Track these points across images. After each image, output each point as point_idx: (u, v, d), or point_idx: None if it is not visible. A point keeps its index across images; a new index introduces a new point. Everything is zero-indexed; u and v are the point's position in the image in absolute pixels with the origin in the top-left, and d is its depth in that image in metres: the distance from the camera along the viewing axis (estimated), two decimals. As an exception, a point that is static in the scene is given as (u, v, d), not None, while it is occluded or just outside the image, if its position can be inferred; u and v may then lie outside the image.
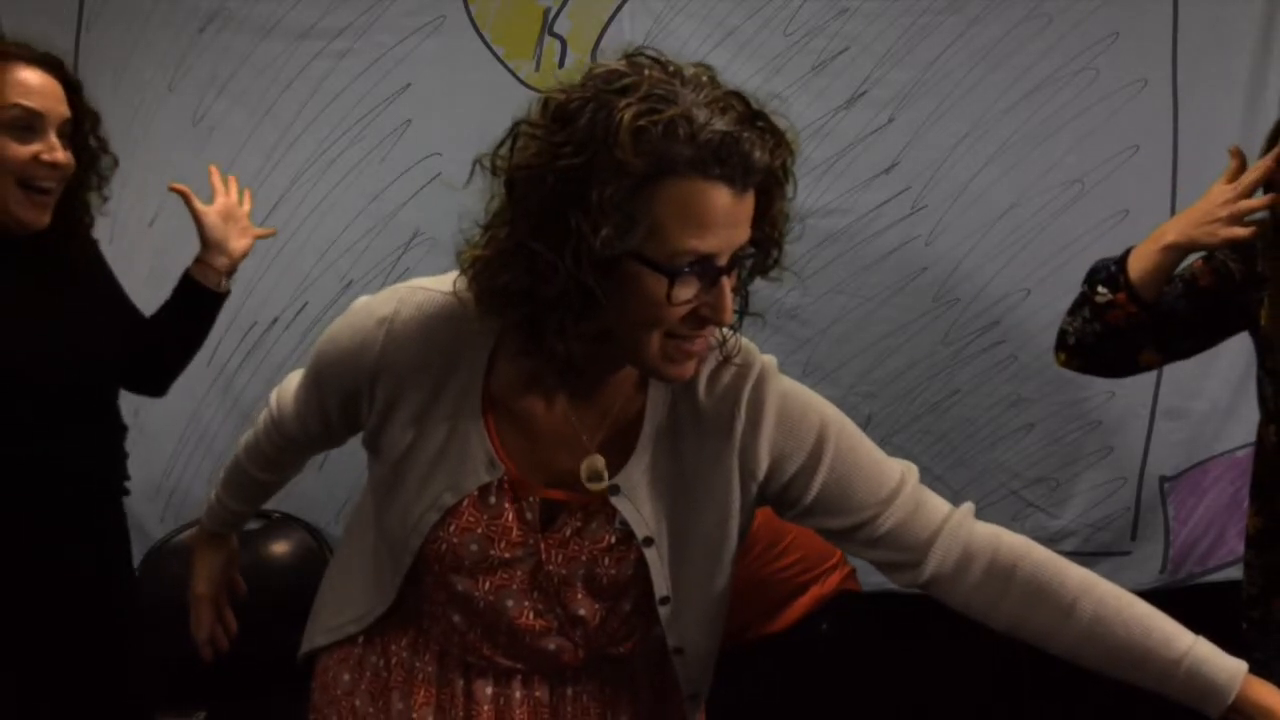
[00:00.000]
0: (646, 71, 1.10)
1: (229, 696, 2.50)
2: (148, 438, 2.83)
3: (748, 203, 1.13)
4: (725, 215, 1.10)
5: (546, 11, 2.74)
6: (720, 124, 1.07)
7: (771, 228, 1.19)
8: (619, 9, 2.72)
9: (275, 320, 2.81)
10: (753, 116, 1.11)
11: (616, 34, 2.71)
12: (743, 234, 1.14)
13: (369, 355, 1.26)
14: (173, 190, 2.02)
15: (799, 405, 1.29)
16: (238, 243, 2.02)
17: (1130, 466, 2.80)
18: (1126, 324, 1.71)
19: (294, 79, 2.76)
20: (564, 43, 2.74)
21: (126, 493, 2.06)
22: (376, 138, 2.77)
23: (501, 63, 2.73)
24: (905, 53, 2.72)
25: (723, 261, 1.13)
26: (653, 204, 1.08)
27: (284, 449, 1.50)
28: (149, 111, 2.77)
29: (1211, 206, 1.63)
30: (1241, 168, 1.64)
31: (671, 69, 1.11)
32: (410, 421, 1.27)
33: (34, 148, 1.74)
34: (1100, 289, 1.73)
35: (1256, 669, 1.21)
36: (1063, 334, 1.81)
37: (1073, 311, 1.79)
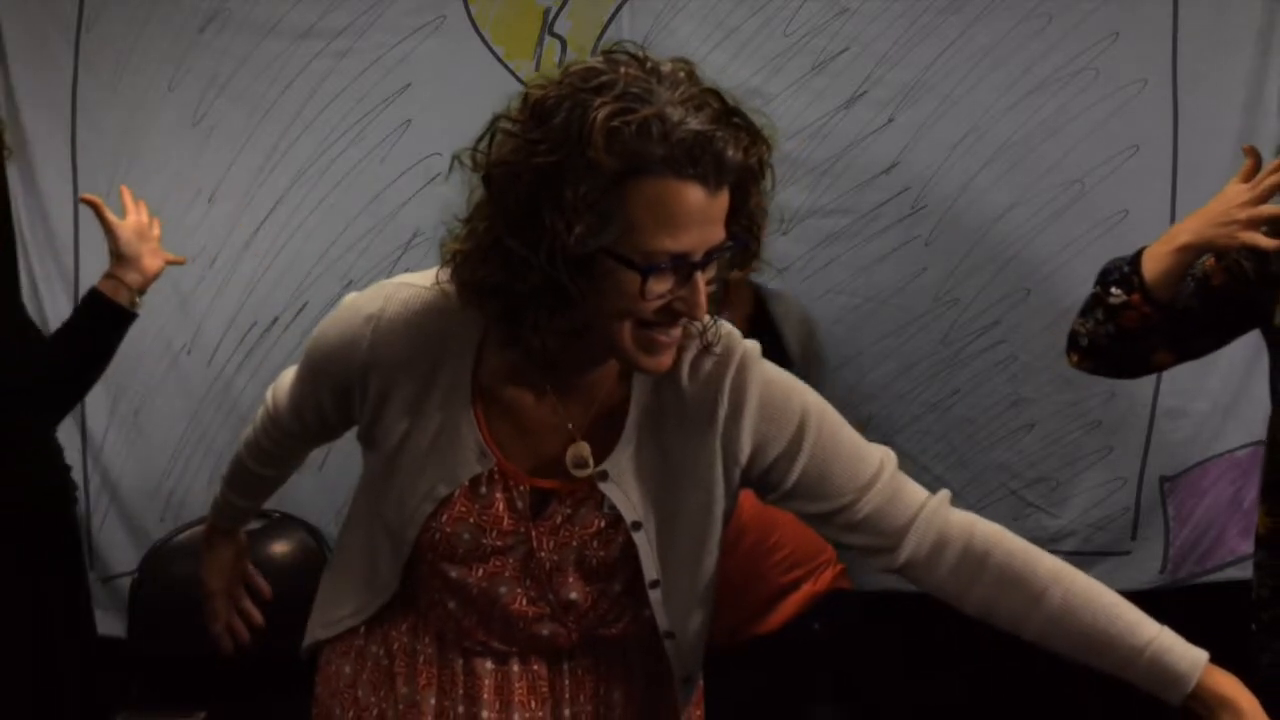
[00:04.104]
0: (623, 69, 1.11)
1: (229, 696, 2.50)
2: (147, 438, 2.84)
3: (721, 200, 1.14)
4: (698, 214, 1.11)
5: (546, 11, 2.74)
6: (694, 123, 1.08)
7: (749, 222, 1.20)
8: (619, 9, 2.72)
9: (275, 320, 2.82)
10: (728, 114, 1.12)
11: (616, 34, 2.71)
12: (717, 232, 1.15)
13: (358, 352, 1.27)
14: (83, 201, 1.98)
15: (781, 392, 1.31)
16: (151, 261, 1.97)
17: (1130, 466, 2.80)
18: (1141, 325, 1.70)
19: (294, 79, 2.76)
20: (564, 43, 2.74)
21: (74, 501, 2.05)
22: (376, 138, 2.77)
23: (501, 63, 2.73)
24: (905, 53, 2.72)
25: (697, 258, 1.14)
26: (626, 203, 1.09)
27: (282, 444, 1.52)
28: (149, 111, 2.77)
29: (1228, 207, 1.61)
30: (1256, 166, 1.63)
31: (649, 66, 1.12)
32: (402, 415, 1.29)
33: None
34: (1114, 290, 1.71)
35: (1267, 672, 1.20)
36: (1074, 335, 1.80)
37: (1084, 313, 1.78)
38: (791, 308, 2.62)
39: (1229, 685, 1.21)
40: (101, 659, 2.39)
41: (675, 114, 1.08)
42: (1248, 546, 1.84)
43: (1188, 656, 1.22)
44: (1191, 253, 1.65)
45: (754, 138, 1.14)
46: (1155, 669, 1.22)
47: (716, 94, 1.12)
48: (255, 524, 2.27)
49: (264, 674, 2.37)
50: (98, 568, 2.85)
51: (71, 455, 2.79)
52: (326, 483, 2.72)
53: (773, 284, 2.61)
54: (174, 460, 2.84)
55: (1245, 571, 1.80)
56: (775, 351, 2.57)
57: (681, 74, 1.12)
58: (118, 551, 2.84)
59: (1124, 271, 1.71)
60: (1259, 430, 1.76)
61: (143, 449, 2.84)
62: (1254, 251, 1.64)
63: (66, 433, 2.62)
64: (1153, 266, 1.67)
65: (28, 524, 1.89)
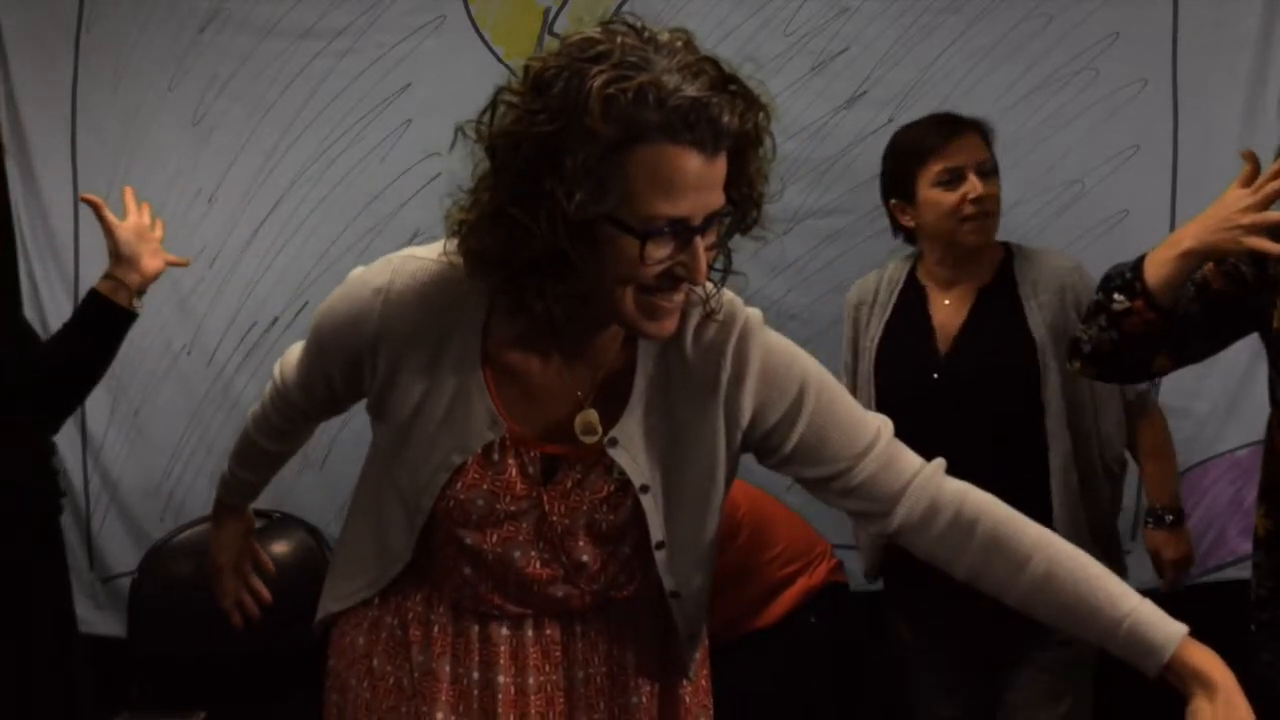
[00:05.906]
0: (620, 39, 1.12)
1: (229, 697, 2.51)
2: (147, 438, 2.84)
3: (719, 166, 1.16)
4: (696, 179, 1.13)
5: (546, 11, 2.74)
6: (690, 89, 1.10)
7: (749, 188, 1.22)
8: (619, 9, 2.72)
9: (275, 320, 2.82)
10: (724, 80, 1.13)
11: (616, 34, 2.71)
12: (716, 197, 1.17)
13: (368, 325, 1.29)
14: (84, 201, 1.98)
15: (783, 358, 1.33)
16: (151, 261, 1.97)
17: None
18: (1143, 331, 1.70)
19: (294, 79, 2.76)
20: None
21: (60, 509, 2.08)
22: (376, 138, 2.77)
23: (501, 63, 2.73)
24: (905, 53, 2.72)
25: (696, 223, 1.16)
26: (624, 170, 1.11)
27: (291, 418, 1.53)
28: (149, 111, 2.78)
29: (1229, 213, 1.60)
30: (1255, 171, 1.62)
31: (646, 35, 1.14)
32: (413, 386, 1.31)
33: None
34: (1117, 297, 1.71)
35: (1266, 671, 1.19)
36: (1076, 343, 1.80)
37: (1087, 320, 1.78)
38: (1044, 272, 2.16)
39: (1204, 659, 1.22)
40: (101, 659, 2.39)
41: (671, 81, 1.09)
42: (1248, 546, 1.83)
43: (1165, 629, 1.23)
44: (1194, 258, 1.65)
45: (750, 103, 1.15)
46: (1132, 640, 1.23)
47: (714, 62, 1.14)
48: (256, 524, 2.29)
49: (264, 674, 2.38)
50: (97, 568, 2.85)
51: (71, 455, 2.80)
52: (326, 482, 2.72)
53: (1015, 237, 2.27)
54: (174, 460, 2.85)
55: (1246, 571, 1.80)
56: (1018, 330, 2.08)
57: (679, 43, 1.13)
58: (118, 551, 2.85)
59: (1126, 278, 1.70)
60: (1259, 430, 1.75)
61: (143, 449, 2.84)
62: (1253, 256, 1.64)
63: (66, 433, 2.63)
64: (1155, 272, 1.67)
65: (13, 526, 1.90)
